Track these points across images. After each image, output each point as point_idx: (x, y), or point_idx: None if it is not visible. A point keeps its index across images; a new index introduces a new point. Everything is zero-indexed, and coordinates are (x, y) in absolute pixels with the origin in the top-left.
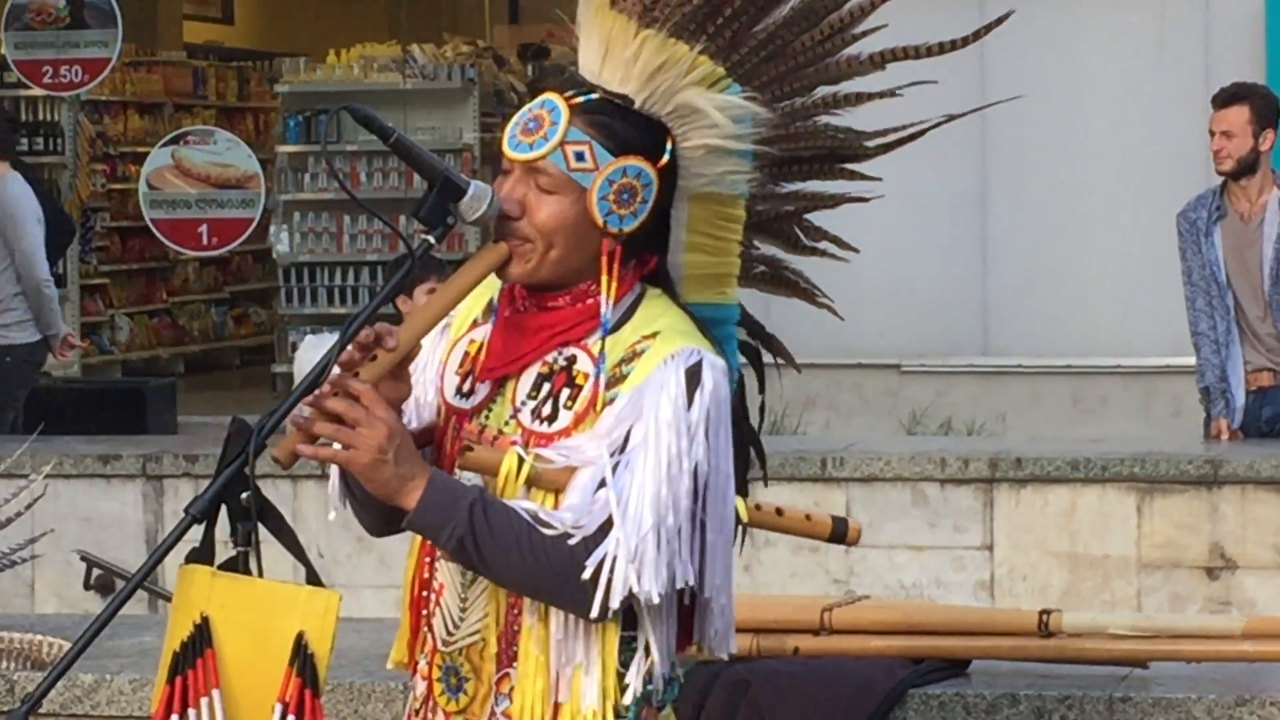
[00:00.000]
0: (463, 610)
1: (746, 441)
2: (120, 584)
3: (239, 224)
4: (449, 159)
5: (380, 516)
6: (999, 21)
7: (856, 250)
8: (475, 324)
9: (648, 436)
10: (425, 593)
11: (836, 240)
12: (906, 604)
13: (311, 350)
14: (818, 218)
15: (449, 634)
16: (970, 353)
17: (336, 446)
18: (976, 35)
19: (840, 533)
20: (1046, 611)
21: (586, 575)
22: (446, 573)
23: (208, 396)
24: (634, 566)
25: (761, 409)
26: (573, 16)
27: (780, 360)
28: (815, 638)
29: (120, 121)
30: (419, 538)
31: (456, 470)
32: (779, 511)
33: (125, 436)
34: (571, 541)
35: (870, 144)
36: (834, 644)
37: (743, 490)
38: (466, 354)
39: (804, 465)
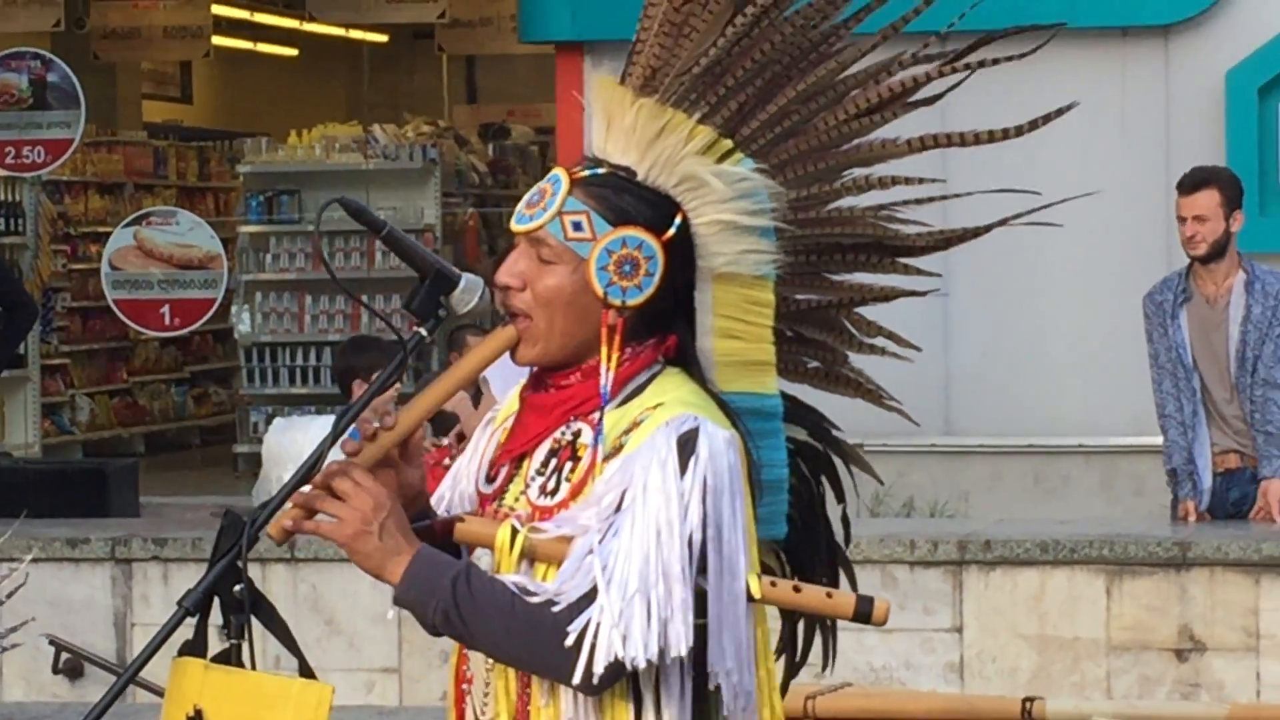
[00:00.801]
0: (485, 696)
1: (821, 548)
2: (89, 668)
3: (201, 304)
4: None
5: None
6: (1059, 113)
7: (918, 349)
8: (514, 414)
9: (635, 501)
10: (464, 685)
11: (894, 337)
12: (890, 692)
13: (281, 434)
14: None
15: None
16: (932, 432)
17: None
18: (1033, 125)
19: (865, 611)
20: (1030, 699)
21: (570, 641)
22: (476, 662)
23: (169, 477)
24: (618, 631)
25: (844, 520)
26: (529, 97)
27: (855, 466)
28: None
29: (81, 201)
30: None
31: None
32: (796, 589)
33: (92, 520)
34: (555, 609)
35: (921, 239)
36: None
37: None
38: (500, 444)
39: None
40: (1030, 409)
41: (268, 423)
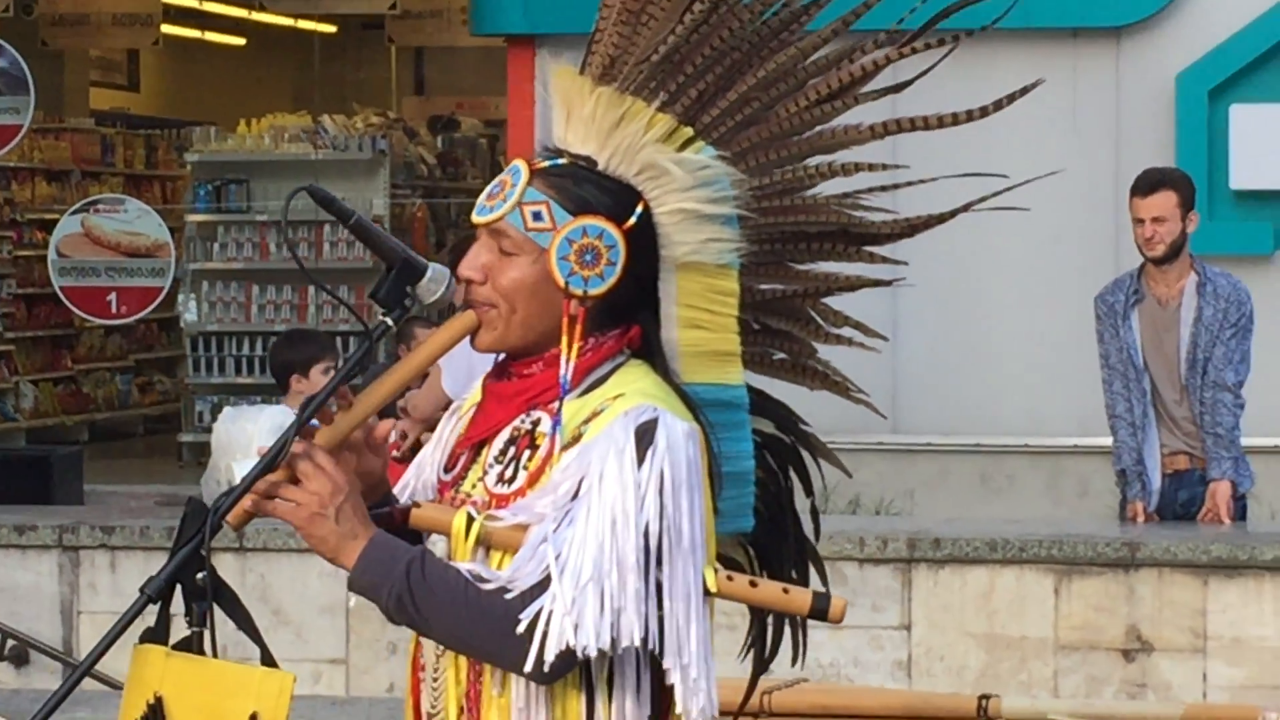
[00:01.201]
0: (436, 684)
1: (789, 542)
2: (35, 655)
3: (148, 292)
4: None
5: None
6: (1022, 92)
7: (885, 338)
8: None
9: (590, 490)
10: (420, 673)
11: (862, 327)
12: (845, 688)
13: (230, 423)
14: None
15: (431, 707)
16: (879, 430)
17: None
18: (998, 105)
19: (821, 608)
20: (985, 696)
21: (521, 629)
22: (429, 650)
23: (113, 465)
24: (570, 620)
25: (813, 514)
26: (477, 90)
27: (821, 459)
28: None
29: (28, 188)
30: None
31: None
32: (753, 584)
33: (39, 507)
34: (508, 596)
35: (886, 226)
36: None
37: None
38: (460, 433)
39: None
40: (977, 408)
41: (213, 412)
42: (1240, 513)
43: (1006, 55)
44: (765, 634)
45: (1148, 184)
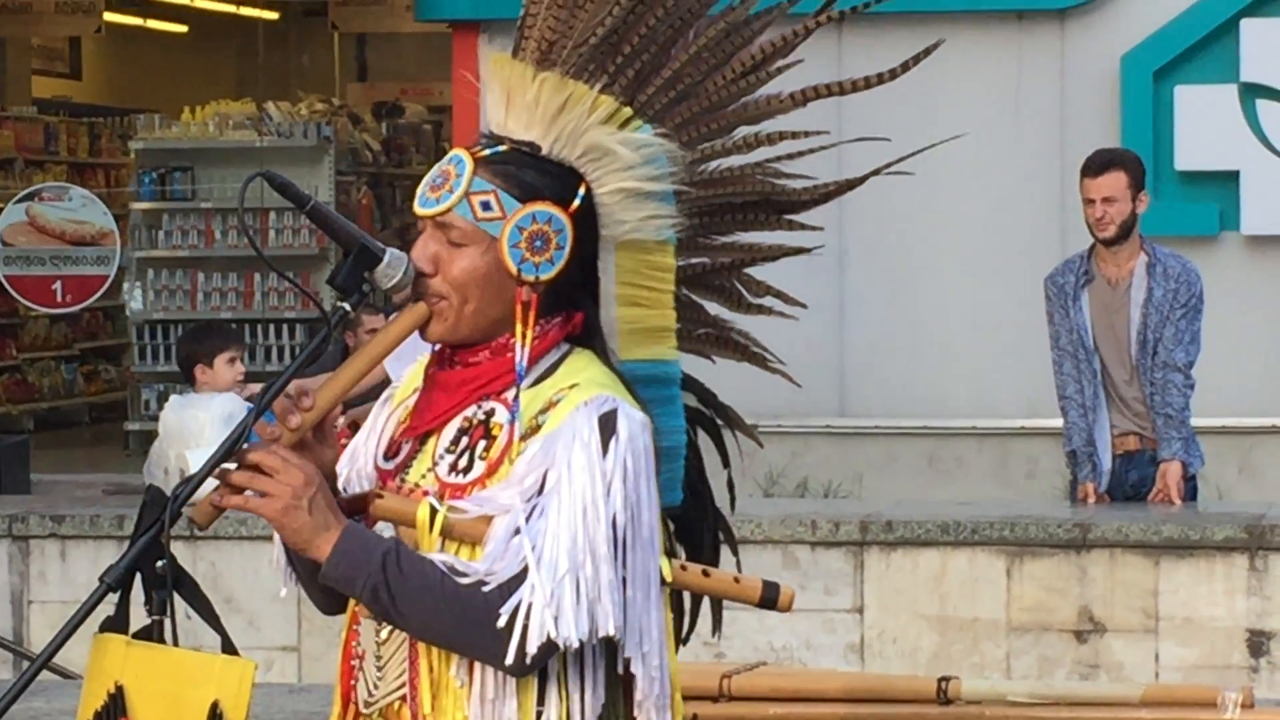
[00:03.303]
0: (379, 671)
1: (709, 514)
2: None
3: (94, 281)
4: None
5: (329, 591)
6: (928, 52)
7: (804, 305)
8: (416, 391)
9: (561, 482)
10: (353, 661)
11: (782, 295)
12: (804, 671)
13: (180, 410)
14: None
15: (369, 696)
16: (827, 413)
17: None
18: (905, 67)
19: (771, 597)
20: (945, 678)
21: (502, 623)
22: (368, 635)
23: (59, 454)
24: (550, 612)
25: (729, 485)
26: (419, 76)
27: (739, 432)
28: (714, 705)
29: None
30: (351, 610)
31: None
32: (705, 573)
33: None
34: (486, 589)
35: (804, 194)
36: (733, 711)
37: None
38: (401, 421)
39: None
40: (924, 391)
41: (160, 400)
42: (1191, 493)
43: (951, 37)
44: (682, 610)
45: (1098, 164)
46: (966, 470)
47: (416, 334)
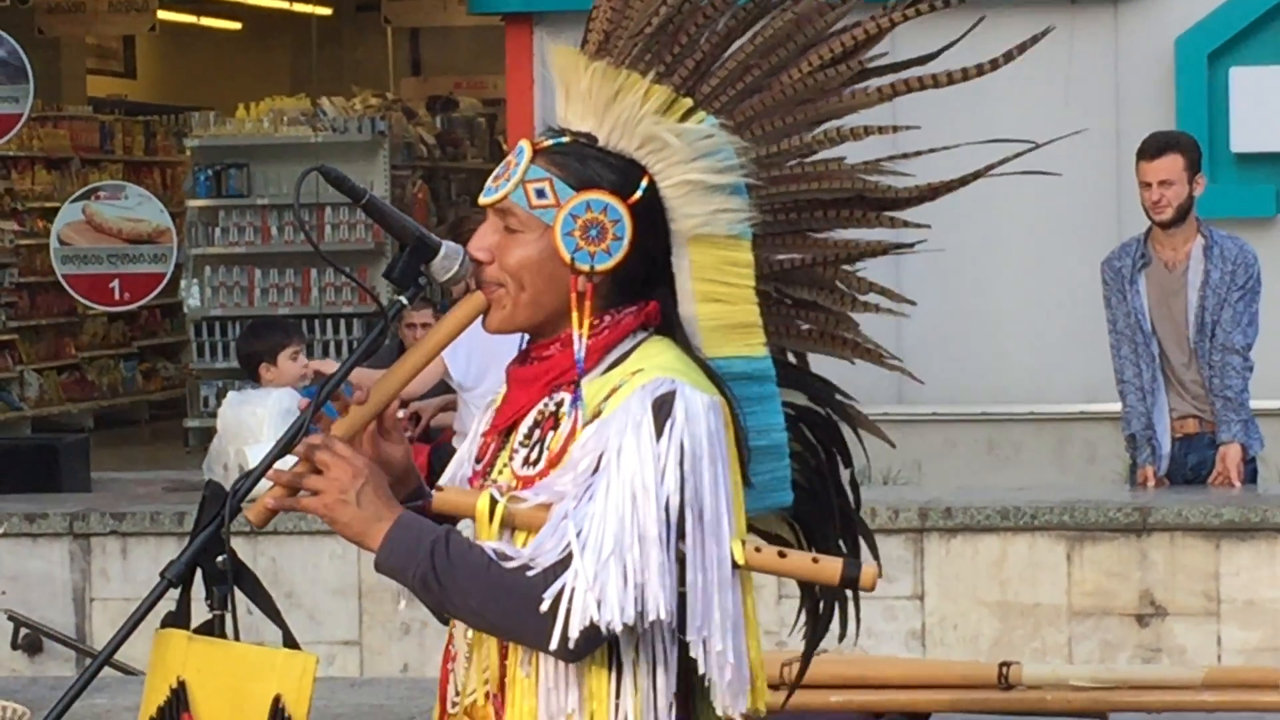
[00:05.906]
0: (467, 671)
1: (844, 518)
2: (47, 643)
3: (151, 279)
4: None
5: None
6: (1034, 40)
7: (913, 303)
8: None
9: (610, 465)
10: (450, 664)
11: (887, 292)
12: (865, 658)
13: (238, 406)
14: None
15: (455, 695)
16: (884, 400)
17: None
18: (1008, 57)
19: (852, 576)
20: (1006, 664)
21: (545, 607)
22: (460, 636)
23: (119, 452)
24: (593, 595)
25: (853, 484)
26: (472, 70)
27: (860, 429)
28: (774, 693)
29: (27, 177)
30: None
31: None
32: (781, 554)
33: (49, 495)
34: (531, 573)
35: (902, 192)
36: (794, 699)
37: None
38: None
39: None
40: (982, 377)
41: (218, 397)
42: (1250, 475)
43: (1005, 24)
44: (817, 608)
45: (1155, 147)
46: (1025, 456)
47: (493, 339)
